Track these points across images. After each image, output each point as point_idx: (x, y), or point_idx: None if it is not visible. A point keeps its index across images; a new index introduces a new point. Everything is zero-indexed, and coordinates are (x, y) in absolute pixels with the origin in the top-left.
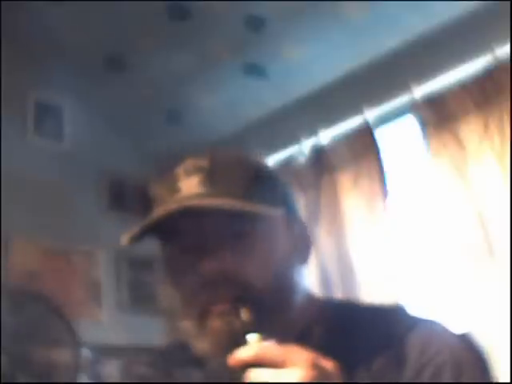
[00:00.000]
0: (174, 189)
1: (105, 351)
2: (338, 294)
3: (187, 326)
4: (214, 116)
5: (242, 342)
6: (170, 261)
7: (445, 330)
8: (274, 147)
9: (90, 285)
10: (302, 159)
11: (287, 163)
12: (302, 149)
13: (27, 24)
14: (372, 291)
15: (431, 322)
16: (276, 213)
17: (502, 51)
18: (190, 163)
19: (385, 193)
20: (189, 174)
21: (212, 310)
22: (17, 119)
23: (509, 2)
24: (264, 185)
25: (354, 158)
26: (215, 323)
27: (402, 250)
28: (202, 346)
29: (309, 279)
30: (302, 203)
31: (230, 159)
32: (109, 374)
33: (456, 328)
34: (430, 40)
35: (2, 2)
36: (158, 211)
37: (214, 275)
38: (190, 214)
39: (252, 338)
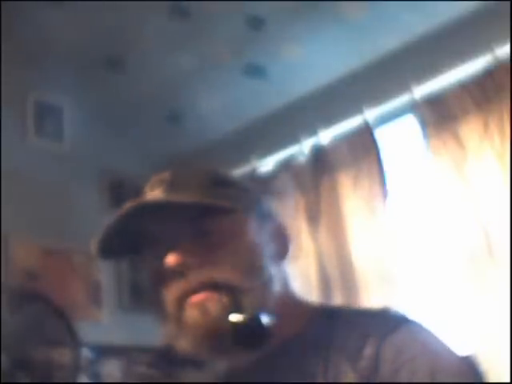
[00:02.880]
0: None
1: (105, 351)
2: (338, 294)
3: (168, 327)
4: (214, 116)
5: (222, 327)
6: (144, 269)
7: (427, 335)
8: (274, 147)
9: (90, 285)
10: (301, 159)
11: (287, 163)
12: (302, 149)
13: (27, 24)
14: (372, 291)
15: (414, 326)
16: (233, 206)
17: (502, 51)
18: (154, 179)
19: (385, 193)
20: (152, 187)
21: (186, 302)
22: (17, 119)
23: (509, 2)
24: (222, 188)
25: (353, 158)
26: (192, 314)
27: (402, 249)
28: (183, 344)
29: (308, 279)
30: (301, 203)
31: (190, 171)
32: (109, 374)
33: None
34: (430, 40)
35: (2, 2)
36: (116, 213)
37: (182, 266)
38: (152, 218)
39: (235, 317)
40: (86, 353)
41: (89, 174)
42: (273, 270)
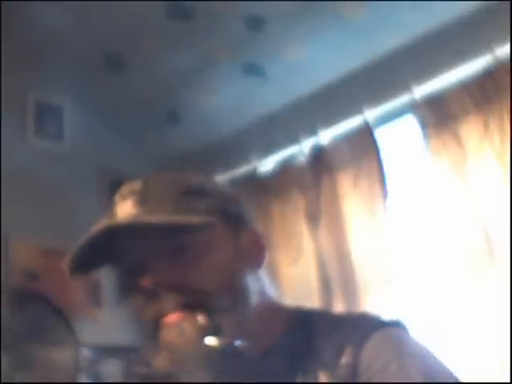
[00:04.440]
0: (111, 214)
1: (105, 351)
2: (338, 294)
3: (144, 347)
4: (214, 116)
5: (199, 348)
6: (119, 283)
7: (402, 338)
8: (274, 147)
9: (90, 284)
10: (302, 159)
11: (287, 163)
12: (302, 149)
13: (27, 24)
14: (372, 291)
15: (390, 330)
16: (204, 221)
17: (502, 51)
18: (125, 188)
19: (385, 193)
20: (123, 197)
21: (162, 322)
22: (17, 119)
23: (509, 2)
24: (195, 198)
25: (353, 158)
26: (167, 334)
27: (402, 249)
28: (159, 362)
29: (308, 279)
30: (302, 203)
31: (162, 179)
32: (109, 374)
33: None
34: (429, 40)
35: (2, 2)
36: (86, 234)
37: (154, 289)
38: (124, 235)
39: (211, 340)
40: (85, 353)
41: (89, 174)
42: (250, 281)
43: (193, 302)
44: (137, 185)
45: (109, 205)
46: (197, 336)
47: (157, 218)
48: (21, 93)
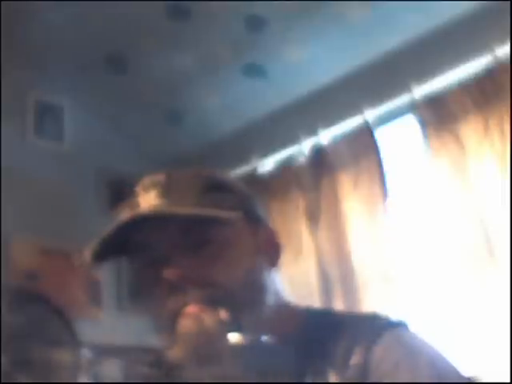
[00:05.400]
0: (133, 205)
1: (105, 351)
2: (338, 294)
3: (161, 338)
4: (214, 116)
5: (217, 342)
6: (138, 276)
7: (411, 339)
8: (274, 147)
9: (89, 285)
10: (302, 159)
11: (287, 163)
12: (302, 149)
13: (27, 24)
14: (372, 291)
15: (399, 331)
16: (231, 216)
17: (502, 51)
18: (147, 180)
19: (385, 193)
20: (146, 189)
21: (183, 312)
22: (17, 119)
23: (509, 2)
24: (218, 193)
25: (354, 158)
26: (185, 323)
27: (402, 249)
28: (173, 353)
29: (308, 279)
30: (302, 203)
31: (185, 173)
32: (109, 374)
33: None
34: (430, 40)
35: (2, 2)
36: (114, 223)
37: (179, 280)
38: (149, 226)
39: (234, 337)
40: (85, 353)
41: (89, 174)
42: (267, 280)
43: (214, 297)
44: (160, 177)
45: (108, 205)
46: (217, 330)
47: (186, 209)
48: (21, 93)
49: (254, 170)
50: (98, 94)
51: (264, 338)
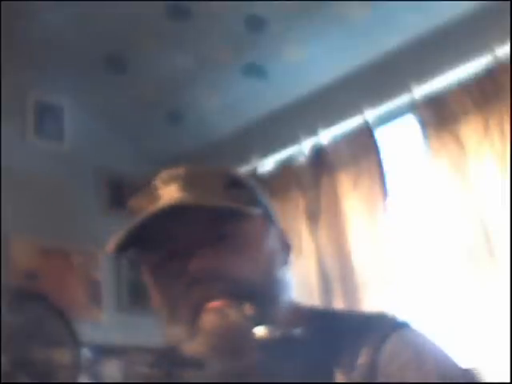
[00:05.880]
0: (154, 197)
1: (105, 351)
2: (338, 294)
3: (177, 331)
4: (214, 116)
5: (242, 337)
6: (156, 269)
7: (419, 340)
8: (274, 147)
9: (89, 285)
10: (302, 159)
11: (287, 163)
12: (302, 149)
13: (27, 24)
14: (372, 291)
15: (407, 331)
16: (256, 212)
17: (502, 51)
18: (165, 174)
19: (385, 193)
20: (167, 183)
21: (206, 306)
22: (17, 119)
23: (509, 2)
24: (239, 190)
25: (354, 158)
26: (209, 318)
27: (402, 249)
28: (194, 348)
29: (308, 279)
30: (301, 203)
31: (203, 169)
32: (109, 374)
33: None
34: (430, 40)
35: (2, 2)
36: (143, 214)
37: (203, 273)
38: (173, 219)
39: (260, 330)
40: (85, 353)
41: (88, 174)
42: (284, 277)
43: (238, 291)
44: (179, 171)
45: (108, 205)
46: (241, 322)
47: (215, 200)
48: (21, 93)
49: (254, 169)
50: (97, 94)
51: (290, 331)
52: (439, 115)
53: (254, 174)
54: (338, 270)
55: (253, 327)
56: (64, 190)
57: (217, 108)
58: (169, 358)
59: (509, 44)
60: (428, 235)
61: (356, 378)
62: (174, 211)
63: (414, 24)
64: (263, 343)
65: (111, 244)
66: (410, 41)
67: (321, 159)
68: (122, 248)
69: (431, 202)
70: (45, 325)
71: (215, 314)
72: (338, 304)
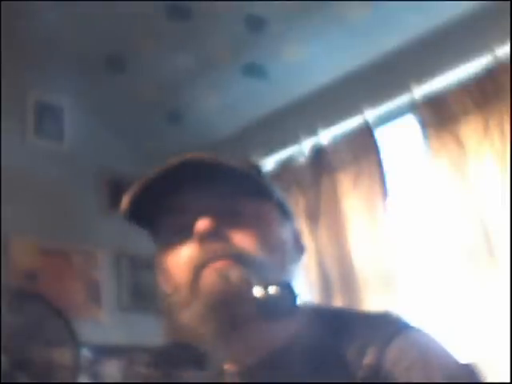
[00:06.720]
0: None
1: (105, 351)
2: (338, 294)
3: (191, 312)
4: (214, 116)
5: (241, 298)
6: (164, 229)
7: (426, 341)
8: (274, 147)
9: (89, 285)
10: (302, 159)
11: (287, 163)
12: (302, 149)
13: (27, 24)
14: (372, 291)
15: (413, 332)
16: (274, 196)
17: (502, 51)
18: (186, 154)
19: (385, 193)
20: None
21: (209, 265)
22: (17, 119)
23: (509, 2)
24: (260, 176)
25: (354, 158)
26: (210, 277)
27: (402, 249)
28: (194, 310)
29: (308, 279)
30: (301, 203)
31: (225, 156)
32: (109, 374)
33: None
34: (430, 40)
35: (2, 2)
36: (160, 168)
37: (209, 232)
38: (190, 176)
39: (259, 290)
40: (85, 353)
41: (88, 174)
42: (292, 271)
43: (242, 259)
44: (201, 153)
45: (108, 205)
46: (242, 284)
47: (237, 163)
48: (21, 93)
49: None
50: (97, 94)
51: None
52: (439, 115)
53: None
54: (338, 269)
55: (252, 289)
56: (64, 190)
57: (217, 108)
58: (168, 358)
59: (509, 44)
60: (428, 235)
61: (361, 377)
62: (192, 170)
63: (414, 24)
64: (260, 303)
65: (125, 200)
66: (410, 41)
67: (321, 159)
68: (136, 210)
69: (431, 201)
70: (44, 325)
71: (216, 273)
72: (338, 304)
